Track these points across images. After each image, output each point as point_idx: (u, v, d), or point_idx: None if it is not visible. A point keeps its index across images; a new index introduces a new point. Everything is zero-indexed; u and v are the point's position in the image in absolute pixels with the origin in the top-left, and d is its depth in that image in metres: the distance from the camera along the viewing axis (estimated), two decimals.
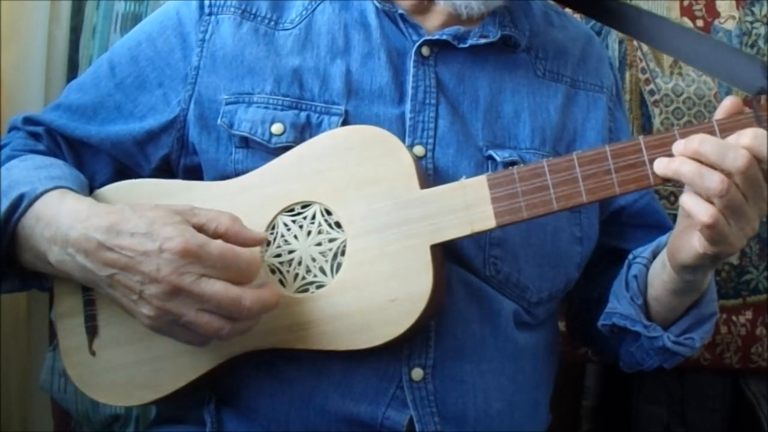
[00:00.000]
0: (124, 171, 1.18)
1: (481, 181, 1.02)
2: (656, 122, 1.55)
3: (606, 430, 1.61)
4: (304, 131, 1.10)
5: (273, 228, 1.05)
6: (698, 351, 1.14)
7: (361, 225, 1.03)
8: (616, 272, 1.15)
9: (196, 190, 1.09)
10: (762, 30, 1.56)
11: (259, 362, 1.06)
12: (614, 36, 1.56)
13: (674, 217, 1.43)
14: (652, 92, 1.55)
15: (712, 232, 0.95)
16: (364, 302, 1.01)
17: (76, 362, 1.08)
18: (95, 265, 0.97)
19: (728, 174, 0.92)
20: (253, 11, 1.16)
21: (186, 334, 0.98)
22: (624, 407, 1.58)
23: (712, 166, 0.93)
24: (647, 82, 1.55)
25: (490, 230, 1.02)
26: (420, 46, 1.13)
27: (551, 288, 1.15)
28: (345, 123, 1.10)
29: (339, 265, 1.03)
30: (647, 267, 1.11)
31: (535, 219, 1.01)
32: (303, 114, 1.11)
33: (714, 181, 0.92)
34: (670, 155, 0.96)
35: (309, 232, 1.04)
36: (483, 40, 1.14)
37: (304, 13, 1.16)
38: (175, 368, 1.05)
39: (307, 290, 1.04)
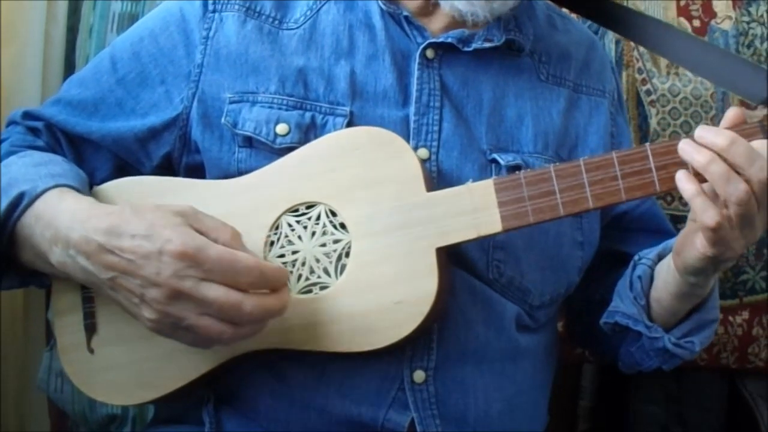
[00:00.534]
0: (125, 168, 1.17)
1: (488, 184, 1.02)
2: (653, 122, 1.55)
3: (603, 430, 1.62)
4: (308, 132, 1.09)
5: (277, 228, 1.05)
6: (697, 353, 1.15)
7: (366, 226, 1.02)
8: (617, 276, 1.16)
9: (198, 189, 1.09)
10: (758, 30, 1.56)
11: (260, 362, 1.06)
12: (611, 36, 1.56)
13: (673, 217, 1.45)
14: (648, 92, 1.56)
15: (714, 235, 0.96)
16: (368, 304, 1.01)
17: (73, 360, 1.07)
18: (96, 267, 0.96)
19: (747, 180, 0.93)
20: (258, 9, 1.15)
21: (189, 337, 0.98)
22: (621, 407, 1.59)
23: (734, 166, 0.93)
24: (644, 82, 1.56)
25: (496, 234, 1.02)
26: (425, 49, 1.13)
27: (552, 292, 1.15)
28: (350, 124, 1.09)
29: (343, 267, 1.03)
30: (652, 268, 1.12)
31: (540, 224, 1.02)
32: (308, 114, 1.10)
33: (739, 189, 0.93)
34: (677, 163, 0.97)
35: (313, 233, 1.04)
36: (487, 44, 1.14)
37: (308, 13, 1.16)
38: (175, 367, 1.05)
39: (310, 291, 1.03)
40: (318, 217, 1.04)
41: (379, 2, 1.15)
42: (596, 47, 1.28)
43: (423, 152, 1.10)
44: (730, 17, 1.57)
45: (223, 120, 1.11)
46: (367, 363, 1.05)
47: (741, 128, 0.97)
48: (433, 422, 1.06)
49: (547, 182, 1.00)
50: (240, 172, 1.09)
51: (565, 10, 1.31)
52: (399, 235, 1.02)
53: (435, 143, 1.11)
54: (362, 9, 1.16)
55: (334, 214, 1.04)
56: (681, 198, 1.41)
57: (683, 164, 0.97)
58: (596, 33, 1.51)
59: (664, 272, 1.09)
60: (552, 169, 1.00)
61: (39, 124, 1.18)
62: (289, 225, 1.05)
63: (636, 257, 1.14)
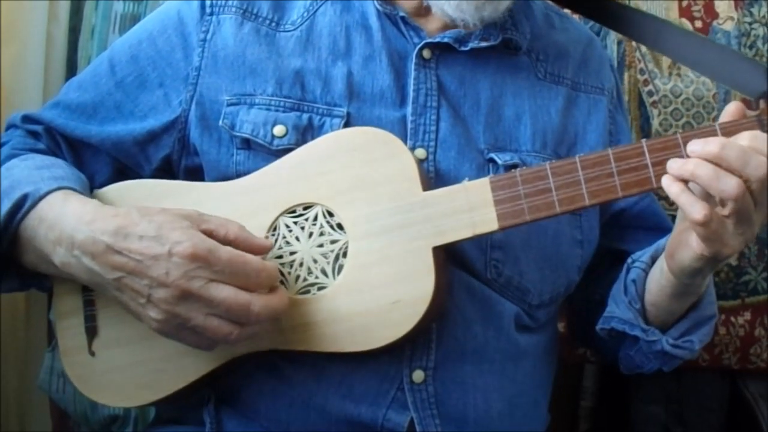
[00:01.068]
0: (124, 171, 1.18)
1: (484, 183, 1.02)
2: (655, 123, 1.55)
3: (604, 430, 1.62)
4: (305, 133, 1.10)
5: (274, 229, 1.05)
6: (697, 352, 1.14)
7: (363, 227, 1.03)
8: (617, 274, 1.16)
9: (197, 191, 1.09)
10: (761, 31, 1.56)
11: (260, 363, 1.06)
12: (613, 37, 1.56)
13: (674, 217, 1.44)
14: (650, 93, 1.55)
15: (706, 230, 0.95)
16: (366, 304, 1.01)
17: (75, 362, 1.08)
18: (102, 268, 0.97)
19: (745, 180, 0.93)
20: (255, 11, 1.16)
21: (193, 338, 0.98)
22: (622, 407, 1.58)
23: (730, 170, 0.93)
24: (646, 83, 1.55)
25: (493, 232, 1.02)
26: (421, 49, 1.13)
27: (552, 291, 1.15)
28: (347, 125, 1.09)
29: (341, 267, 1.03)
30: (646, 271, 1.11)
31: (537, 222, 1.01)
32: (305, 116, 1.11)
33: (731, 185, 0.92)
34: (675, 157, 0.97)
35: (311, 234, 1.04)
36: (484, 44, 1.14)
37: (305, 14, 1.16)
38: (175, 369, 1.05)
39: (308, 292, 1.03)
40: (315, 218, 1.05)
41: (376, 3, 1.15)
42: (594, 45, 1.27)
43: (420, 152, 1.10)
44: (732, 18, 1.57)
45: (220, 122, 1.12)
46: (367, 363, 1.05)
47: (740, 122, 0.97)
48: (432, 422, 1.06)
49: (543, 180, 1.00)
50: (238, 174, 1.10)
51: (565, 10, 1.31)
52: (396, 235, 1.02)
53: (432, 143, 1.11)
54: (359, 10, 1.16)
55: (331, 214, 1.04)
56: None
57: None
58: (598, 34, 1.51)
59: (658, 274, 1.08)
60: (548, 167, 1.00)
61: (38, 128, 1.19)
62: (287, 226, 1.05)
63: (629, 260, 1.14)
